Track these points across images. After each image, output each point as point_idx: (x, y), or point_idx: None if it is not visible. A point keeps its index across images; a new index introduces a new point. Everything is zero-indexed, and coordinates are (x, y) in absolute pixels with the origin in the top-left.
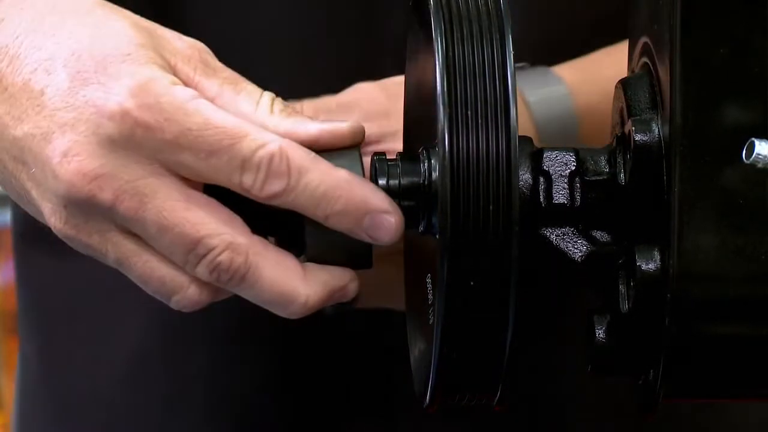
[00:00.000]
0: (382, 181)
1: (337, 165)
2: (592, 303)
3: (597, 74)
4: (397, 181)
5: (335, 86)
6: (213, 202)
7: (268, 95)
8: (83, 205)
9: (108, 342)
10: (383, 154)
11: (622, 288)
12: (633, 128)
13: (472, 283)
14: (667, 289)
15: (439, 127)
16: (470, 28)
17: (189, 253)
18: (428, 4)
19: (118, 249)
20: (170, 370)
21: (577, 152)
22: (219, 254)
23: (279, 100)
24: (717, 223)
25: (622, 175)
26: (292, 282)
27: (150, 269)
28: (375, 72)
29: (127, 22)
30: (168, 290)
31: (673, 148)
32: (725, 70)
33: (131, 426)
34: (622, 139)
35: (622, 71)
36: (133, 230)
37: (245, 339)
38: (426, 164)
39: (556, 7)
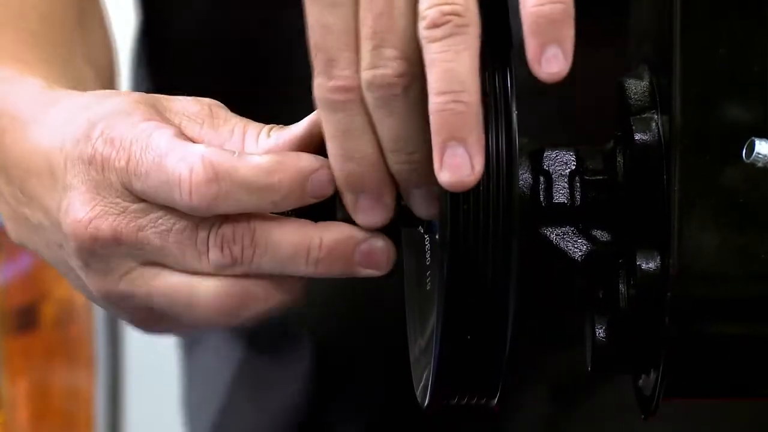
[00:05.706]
0: None
1: None
2: (592, 302)
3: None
4: None
5: None
6: None
7: (268, 127)
8: (94, 251)
9: None
10: None
11: (621, 287)
12: (633, 127)
13: (472, 283)
14: (667, 289)
15: None
16: None
17: (195, 242)
18: None
19: (142, 281)
20: None
21: (577, 151)
22: (220, 227)
23: (277, 127)
24: (717, 222)
25: (622, 174)
26: (301, 227)
27: (172, 284)
28: None
29: (128, 94)
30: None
31: (673, 147)
32: (725, 69)
33: None
34: (622, 139)
35: None
36: (145, 256)
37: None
38: None
39: None
